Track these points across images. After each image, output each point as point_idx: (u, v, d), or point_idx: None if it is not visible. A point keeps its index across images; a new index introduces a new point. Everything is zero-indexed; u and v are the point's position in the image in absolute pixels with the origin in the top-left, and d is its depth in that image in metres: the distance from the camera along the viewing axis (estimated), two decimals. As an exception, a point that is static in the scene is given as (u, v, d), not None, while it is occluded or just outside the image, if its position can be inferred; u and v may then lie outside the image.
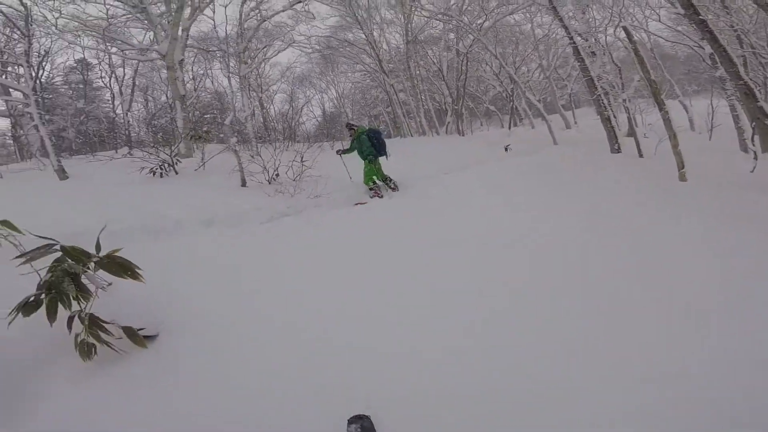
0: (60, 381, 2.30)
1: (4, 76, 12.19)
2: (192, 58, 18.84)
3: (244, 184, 6.16)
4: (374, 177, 6.33)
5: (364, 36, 17.24)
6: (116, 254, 2.51)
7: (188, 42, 11.62)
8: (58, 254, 2.43)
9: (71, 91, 21.04)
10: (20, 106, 13.39)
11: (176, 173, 7.27)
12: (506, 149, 9.99)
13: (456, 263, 3.16)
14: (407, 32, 16.92)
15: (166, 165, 7.20)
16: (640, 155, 8.58)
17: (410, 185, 6.47)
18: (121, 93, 20.00)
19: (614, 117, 10.07)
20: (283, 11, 11.97)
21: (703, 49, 10.77)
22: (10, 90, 14.46)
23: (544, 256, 3.20)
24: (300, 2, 11.41)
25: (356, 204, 5.70)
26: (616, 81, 13.38)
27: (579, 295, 2.71)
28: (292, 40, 14.78)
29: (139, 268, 2.54)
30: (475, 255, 3.20)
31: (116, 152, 10.58)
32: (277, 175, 6.39)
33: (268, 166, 6.30)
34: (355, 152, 6.50)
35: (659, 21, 13.71)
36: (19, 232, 2.70)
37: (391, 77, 17.76)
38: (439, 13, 15.18)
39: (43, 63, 16.32)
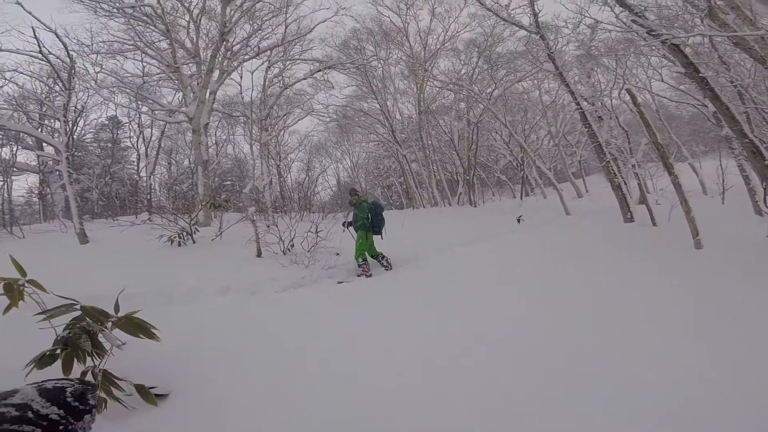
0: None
1: (40, 130, 12.51)
2: (216, 123, 19.89)
3: (259, 254, 6.22)
4: (365, 253, 5.88)
5: (378, 106, 18.22)
6: (134, 315, 2.61)
7: (214, 106, 12.42)
8: (78, 313, 2.54)
9: (99, 150, 21.82)
10: (51, 162, 13.75)
11: (194, 242, 7.41)
12: (519, 220, 10.01)
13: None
14: (420, 102, 17.84)
15: (184, 233, 7.39)
16: (654, 223, 8.48)
17: (416, 259, 6.32)
18: (146, 154, 20.69)
19: (625, 184, 10.14)
20: (303, 79, 12.89)
21: (707, 107, 10.94)
22: (43, 145, 14.99)
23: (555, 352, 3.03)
24: (320, 71, 12.26)
25: (339, 282, 5.29)
26: (624, 146, 13.58)
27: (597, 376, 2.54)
28: (311, 108, 15.76)
29: (155, 328, 2.61)
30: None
31: (136, 217, 10.89)
32: (292, 245, 6.45)
33: (284, 237, 6.39)
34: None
35: (662, 81, 13.94)
36: (44, 290, 2.87)
37: (404, 147, 18.46)
38: (450, 82, 16.10)
39: (78, 119, 17.17)
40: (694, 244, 6.01)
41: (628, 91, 7.63)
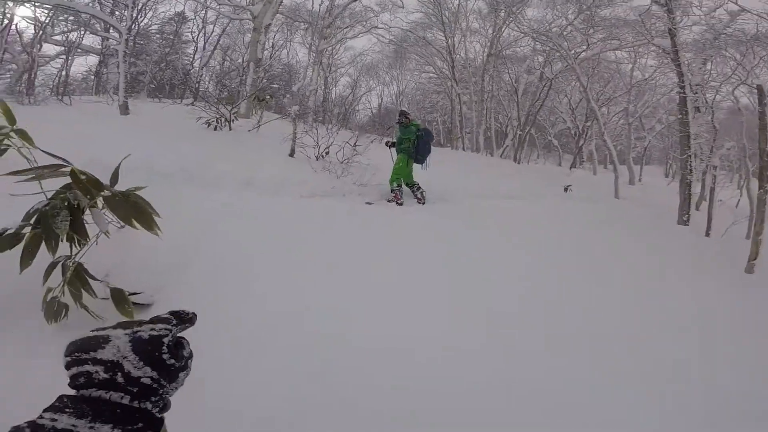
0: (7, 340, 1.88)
1: (111, 17, 13.15)
2: (276, 28, 19.43)
3: (292, 154, 5.97)
4: (401, 178, 5.52)
5: (443, 38, 16.79)
6: (134, 192, 2.06)
7: (280, 9, 11.87)
8: (66, 179, 2.00)
9: (161, 40, 22.43)
10: (113, 43, 14.48)
11: (230, 129, 7.27)
12: (566, 189, 9.28)
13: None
14: (492, 45, 16.32)
15: (222, 119, 7.23)
16: (707, 233, 7.71)
17: (450, 200, 5.90)
18: (204, 48, 21.32)
19: (702, 186, 9.18)
20: None
21: None
22: (110, 30, 15.79)
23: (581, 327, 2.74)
24: None
25: (368, 203, 5.03)
26: (711, 144, 12.18)
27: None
28: (373, 26, 14.67)
29: (156, 215, 2.07)
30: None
31: (181, 101, 10.95)
32: (327, 152, 6.16)
33: (321, 141, 6.09)
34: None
35: None
36: (32, 143, 2.17)
37: (460, 86, 17.26)
38: (538, 32, 14.44)
39: (146, 9, 17.50)
40: (746, 267, 5.47)
41: (759, 87, 6.56)
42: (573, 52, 13.76)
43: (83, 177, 1.94)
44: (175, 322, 0.56)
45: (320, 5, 13.24)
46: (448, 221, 4.79)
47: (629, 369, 2.43)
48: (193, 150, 5.16)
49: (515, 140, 16.53)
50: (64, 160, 2.05)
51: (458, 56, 17.63)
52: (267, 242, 3.15)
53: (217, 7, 13.12)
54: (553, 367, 2.35)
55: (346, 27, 15.69)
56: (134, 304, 2.08)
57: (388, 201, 5.29)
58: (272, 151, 5.91)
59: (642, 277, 4.13)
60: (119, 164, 2.17)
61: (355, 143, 6.20)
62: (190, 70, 22.28)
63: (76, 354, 0.49)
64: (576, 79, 14.55)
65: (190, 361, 0.56)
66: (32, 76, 15.85)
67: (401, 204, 5.26)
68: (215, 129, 7.08)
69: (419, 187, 5.63)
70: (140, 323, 0.54)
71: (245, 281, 2.59)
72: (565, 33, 14.57)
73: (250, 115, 9.74)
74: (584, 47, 14.09)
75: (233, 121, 7.47)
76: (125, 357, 0.49)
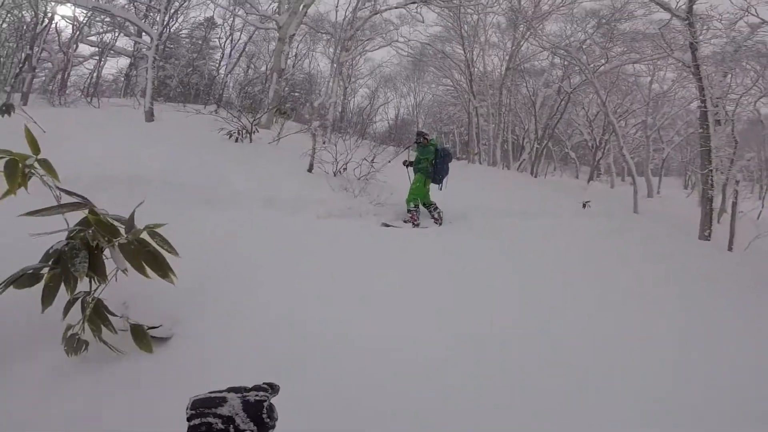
0: (26, 373, 1.92)
1: (144, 21, 13.69)
2: (300, 37, 19.84)
3: (311, 169, 6.11)
4: (419, 198, 5.49)
5: (462, 52, 16.90)
6: (154, 230, 2.07)
7: (304, 20, 12.15)
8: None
9: (191, 45, 23.15)
10: (144, 48, 15.08)
11: (251, 141, 7.46)
12: (584, 206, 9.18)
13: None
14: (511, 58, 16.37)
15: (244, 131, 7.43)
16: (730, 248, 7.53)
17: (466, 219, 5.88)
18: (230, 55, 21.93)
19: (722, 198, 8.97)
20: (396, 8, 12.04)
21: None
22: (142, 34, 16.42)
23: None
24: (414, 3, 11.37)
25: (383, 223, 5.03)
26: (731, 157, 11.90)
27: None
28: (392, 39, 14.88)
29: (174, 253, 2.10)
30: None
31: (204, 107, 11.30)
32: (345, 169, 6.27)
33: (339, 157, 6.20)
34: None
35: None
36: (56, 177, 2.12)
37: (477, 99, 17.31)
38: (557, 46, 14.43)
39: (178, 14, 18.14)
40: None
41: None
42: (592, 65, 13.68)
43: (100, 219, 1.99)
44: (270, 391, 0.73)
45: (343, 17, 13.50)
46: (461, 239, 4.83)
47: (637, 380, 2.43)
48: (214, 164, 5.31)
49: (532, 153, 16.44)
50: (83, 198, 2.09)
51: (476, 69, 17.69)
52: (283, 264, 3.24)
53: (245, 15, 13.55)
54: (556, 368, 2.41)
55: (367, 39, 15.93)
56: (153, 338, 2.13)
57: (405, 221, 5.30)
58: (291, 166, 6.04)
59: (662, 295, 4.05)
60: (133, 211, 2.17)
61: (372, 160, 6.31)
62: (215, 76, 22.90)
63: (200, 408, 0.66)
64: (594, 92, 14.43)
65: (276, 422, 0.72)
66: (66, 75, 16.61)
67: (418, 225, 5.28)
68: (236, 141, 7.28)
69: (436, 207, 5.64)
70: (247, 389, 0.71)
71: (261, 308, 2.64)
72: (584, 47, 14.50)
73: (270, 126, 9.96)
74: (603, 61, 14.02)
75: (254, 132, 7.67)
76: (237, 414, 0.66)
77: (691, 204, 15.42)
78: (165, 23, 9.26)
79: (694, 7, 8.62)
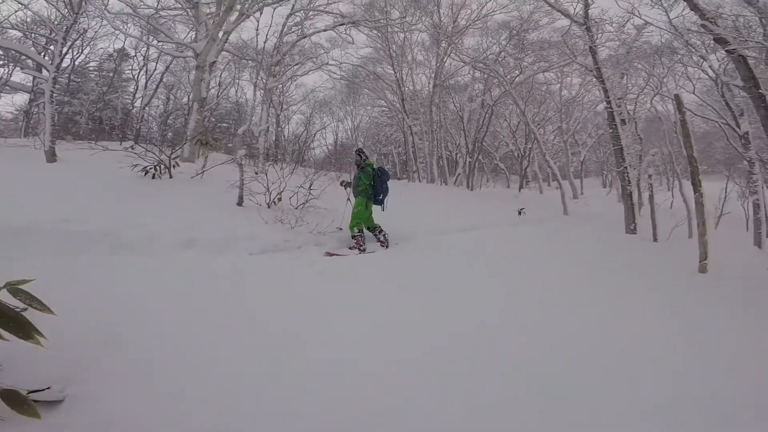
0: None
1: (43, 54, 12.30)
2: (223, 66, 19.09)
3: (240, 203, 5.58)
4: (362, 223, 5.19)
5: (392, 72, 17.33)
6: (18, 286, 1.75)
7: (225, 46, 11.61)
8: None
9: (101, 78, 21.31)
10: (43, 83, 13.54)
11: (170, 177, 6.74)
12: (520, 213, 9.55)
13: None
14: (436, 75, 17.02)
15: (161, 166, 6.70)
16: (655, 238, 8.19)
17: (414, 239, 5.74)
18: (146, 87, 20.40)
19: (639, 194, 9.77)
20: (324, 31, 11.94)
21: (736, 128, 10.47)
22: (42, 69, 14.77)
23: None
24: (342, 25, 11.35)
25: (326, 253, 4.67)
26: (636, 154, 13.14)
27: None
28: (323, 62, 14.78)
29: (48, 311, 1.77)
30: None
31: (120, 144, 10.22)
32: (280, 199, 5.82)
33: (271, 188, 5.75)
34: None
35: (693, 92, 13.39)
36: None
37: (411, 118, 17.74)
38: (476, 60, 15.27)
39: (84, 46, 16.61)
40: (698, 267, 5.74)
41: (676, 96, 7.13)
42: (508, 77, 14.67)
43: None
44: None
45: (265, 42, 13.12)
46: (410, 259, 4.66)
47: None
48: (125, 206, 4.62)
49: (465, 167, 17.05)
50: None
51: (407, 89, 18.24)
52: (199, 313, 2.73)
53: (159, 44, 12.67)
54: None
55: (296, 64, 15.71)
56: (38, 401, 1.72)
57: (350, 248, 4.97)
58: (218, 200, 5.46)
59: (603, 290, 4.18)
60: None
61: (309, 186, 5.94)
62: (130, 110, 21.12)
63: None
64: (513, 102, 15.46)
65: None
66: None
67: (364, 250, 4.97)
68: (153, 177, 6.52)
69: (381, 230, 5.39)
70: None
71: (171, 365, 2.16)
72: (499, 59, 15.55)
73: (195, 159, 9.20)
74: (517, 72, 15.11)
75: (174, 167, 6.96)
76: None
77: (612, 201, 16.87)
78: (62, 55, 8.22)
79: (590, 12, 9.41)
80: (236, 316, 2.69)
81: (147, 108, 21.04)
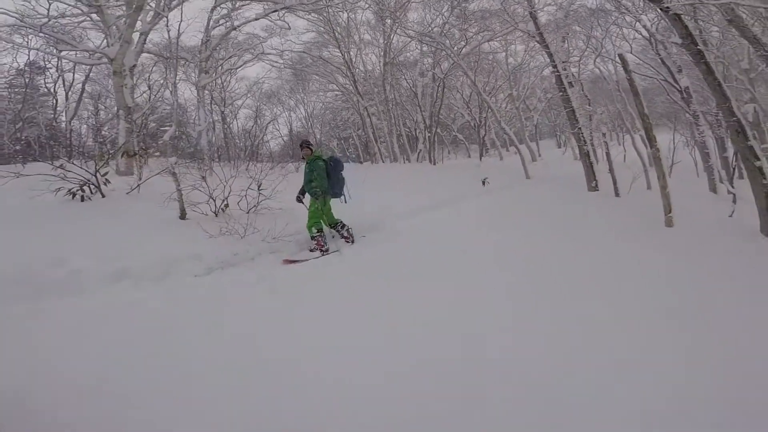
0: None
1: None
2: (151, 66, 17.64)
3: (183, 216, 5.00)
4: (321, 221, 4.78)
5: (340, 54, 16.62)
6: None
7: (147, 47, 10.55)
8: None
9: (16, 95, 19.29)
10: None
11: (102, 196, 5.98)
12: (484, 183, 9.43)
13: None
14: (386, 53, 16.50)
15: (90, 186, 5.92)
16: (617, 194, 8.31)
17: (382, 226, 5.41)
18: (66, 99, 18.50)
19: (594, 153, 9.93)
20: (255, 20, 11.02)
21: (675, 83, 10.79)
22: None
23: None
24: (275, 11, 10.49)
25: (285, 261, 4.26)
26: (586, 114, 13.45)
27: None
28: (262, 51, 13.82)
29: None
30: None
31: (52, 163, 9.05)
32: (227, 205, 5.27)
33: (215, 194, 5.17)
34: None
35: (631, 52, 13.69)
36: None
37: (365, 99, 17.18)
38: (422, 34, 14.87)
39: None
40: (665, 221, 5.78)
41: (621, 56, 7.24)
42: (455, 48, 14.43)
43: None
44: None
45: (205, 40, 12.03)
46: (381, 253, 4.36)
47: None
48: (44, 239, 3.98)
49: (426, 142, 16.82)
50: None
51: (358, 70, 17.62)
52: (141, 362, 2.28)
53: (68, 54, 11.38)
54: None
55: (230, 57, 14.66)
56: None
57: (311, 251, 4.56)
58: (156, 217, 4.85)
59: (577, 246, 4.24)
60: None
61: (258, 186, 5.40)
62: (54, 125, 19.15)
63: None
64: (463, 74, 15.34)
65: None
66: None
67: (327, 251, 4.56)
68: (82, 200, 5.76)
69: (344, 225, 4.98)
70: None
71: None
72: (444, 31, 15.23)
73: (132, 171, 8.34)
74: (463, 43, 14.90)
75: (106, 184, 6.19)
76: None
77: (568, 160, 17.26)
78: None
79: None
80: (157, 366, 2.24)
81: (75, 121, 19.20)
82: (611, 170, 8.63)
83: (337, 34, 16.25)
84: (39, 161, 8.96)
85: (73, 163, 6.24)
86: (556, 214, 6.26)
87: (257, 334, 2.62)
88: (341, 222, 5.00)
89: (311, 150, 5.04)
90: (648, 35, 10.68)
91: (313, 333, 2.60)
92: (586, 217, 6.17)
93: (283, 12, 11.02)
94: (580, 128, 9.37)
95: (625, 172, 8.69)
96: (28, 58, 17.37)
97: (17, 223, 4.57)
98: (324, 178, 4.79)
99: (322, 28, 16.62)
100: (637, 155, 9.80)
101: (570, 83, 11.03)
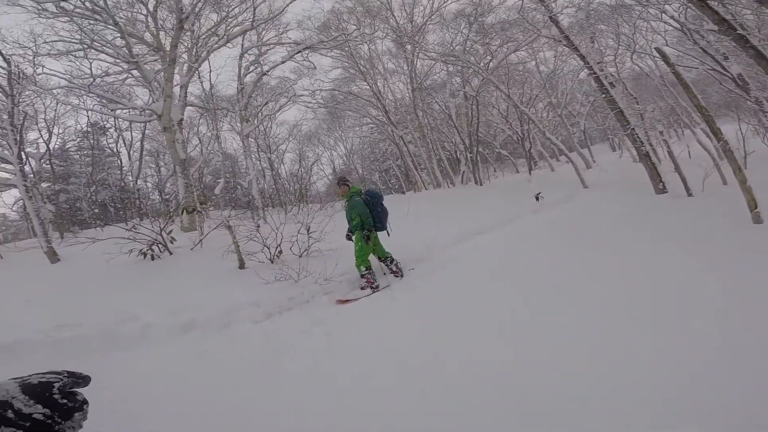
0: None
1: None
2: (198, 119, 18.76)
3: (242, 265, 5.20)
4: (368, 258, 4.64)
5: (368, 87, 17.05)
6: None
7: (190, 100, 11.35)
8: None
9: (85, 158, 20.55)
10: (31, 176, 13.24)
11: (170, 253, 6.41)
12: (537, 198, 8.95)
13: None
14: (412, 79, 16.69)
15: (158, 245, 6.36)
16: (689, 194, 7.49)
17: (431, 257, 5.26)
18: (129, 158, 19.76)
19: (654, 152, 9.17)
20: (282, 63, 11.64)
21: (724, 71, 9.88)
22: (23, 159, 14.36)
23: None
24: (299, 53, 11.03)
25: (338, 301, 4.20)
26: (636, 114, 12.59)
27: None
28: (294, 93, 14.56)
29: None
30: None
31: (126, 224, 9.88)
32: (280, 252, 5.41)
33: (268, 242, 5.34)
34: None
35: (666, 45, 12.80)
36: None
37: (400, 128, 17.37)
38: (445, 55, 14.91)
39: (50, 128, 16.20)
40: (752, 217, 5.08)
41: (658, 50, 6.71)
42: (482, 64, 14.26)
43: None
44: (66, 374, 0.68)
45: (231, 87, 12.99)
46: (434, 285, 4.18)
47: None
48: (119, 298, 4.33)
49: (468, 163, 16.52)
50: None
51: (387, 99, 17.96)
52: (205, 413, 2.32)
53: (120, 113, 12.27)
54: None
55: (266, 103, 15.54)
56: None
57: (362, 288, 4.51)
58: (217, 269, 5.11)
59: (662, 261, 3.70)
60: None
61: (308, 230, 5.51)
62: (123, 185, 20.72)
63: None
64: (495, 87, 15.05)
65: (85, 406, 0.66)
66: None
67: (377, 287, 4.50)
68: (152, 259, 6.19)
69: (392, 259, 4.92)
70: (30, 375, 0.65)
71: None
72: (467, 48, 15.15)
73: (195, 227, 8.79)
74: (489, 57, 14.69)
75: (172, 242, 6.63)
76: (14, 397, 0.60)
77: (626, 163, 16.11)
78: (19, 143, 7.84)
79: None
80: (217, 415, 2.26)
81: (141, 181, 20.60)
82: (677, 169, 7.87)
83: (361, 66, 16.68)
84: (113, 225, 9.95)
85: (142, 226, 6.81)
86: (628, 223, 5.73)
87: (309, 376, 2.63)
88: (390, 256, 4.95)
89: (348, 186, 5.05)
90: (679, 26, 10.02)
91: (358, 384, 2.52)
92: (661, 224, 5.56)
93: (307, 52, 11.54)
94: (633, 129, 8.71)
95: (694, 169, 7.88)
96: (88, 119, 18.80)
97: (96, 285, 5.03)
98: (366, 212, 4.75)
99: (346, 63, 17.12)
100: (703, 150, 8.87)
101: (611, 83, 10.48)
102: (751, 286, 2.83)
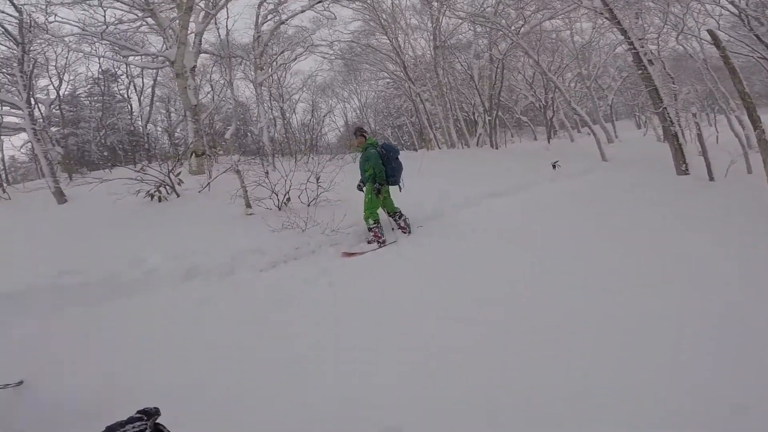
0: None
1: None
2: (211, 67, 18.32)
3: (249, 208, 5.13)
4: (377, 211, 4.59)
5: (388, 41, 16.28)
6: None
7: (204, 47, 10.97)
8: None
9: (95, 103, 20.70)
10: (40, 120, 13.26)
11: (177, 196, 6.34)
12: (554, 166, 8.66)
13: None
14: (435, 37, 15.86)
15: (166, 186, 6.29)
16: (711, 178, 7.17)
17: (441, 215, 5.13)
18: (140, 104, 19.74)
19: (682, 133, 8.72)
20: (302, 12, 11.04)
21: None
22: (32, 103, 14.31)
23: None
24: (320, 2, 10.43)
25: (344, 254, 4.15)
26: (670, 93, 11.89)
27: None
28: (312, 43, 13.91)
29: None
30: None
31: (135, 166, 9.83)
32: (289, 199, 5.31)
33: (276, 189, 5.23)
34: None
35: (719, 29, 11.92)
36: None
37: (417, 85, 16.71)
38: (474, 15, 13.97)
39: (61, 74, 16.04)
40: None
41: (710, 32, 6.31)
42: (513, 28, 13.37)
43: None
44: (145, 418, 0.78)
45: (247, 36, 12.43)
46: (444, 245, 4.09)
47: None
48: (124, 242, 4.26)
49: (486, 126, 15.97)
50: None
51: (407, 56, 17.12)
52: (203, 363, 2.32)
53: (133, 59, 12.06)
54: None
55: (282, 52, 14.92)
56: None
57: (369, 242, 4.43)
58: (224, 214, 5.01)
59: (680, 238, 3.61)
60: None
61: (317, 179, 5.37)
62: (132, 129, 20.73)
63: None
64: (525, 53, 14.23)
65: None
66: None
67: (384, 242, 4.41)
68: (160, 201, 6.13)
69: (401, 215, 4.82)
70: (121, 423, 0.76)
71: None
72: (498, 11, 14.14)
73: (204, 171, 8.75)
74: (521, 22, 13.70)
75: (180, 184, 6.55)
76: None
77: (650, 142, 15.48)
78: (27, 89, 7.73)
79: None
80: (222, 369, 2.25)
81: (151, 125, 20.65)
82: (704, 152, 7.49)
83: (382, 20, 15.87)
84: (123, 166, 9.94)
85: (150, 167, 6.71)
86: (648, 200, 5.50)
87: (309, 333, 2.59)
88: (399, 211, 4.84)
89: (365, 137, 4.91)
90: (737, 11, 9.19)
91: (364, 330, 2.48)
92: (688, 203, 5.33)
93: (328, 2, 10.98)
94: (665, 108, 8.26)
95: (720, 155, 7.51)
96: (100, 67, 18.67)
97: (102, 226, 4.99)
98: (380, 165, 4.62)
99: (367, 16, 16.28)
100: (735, 136, 8.42)
101: (650, 61, 9.79)
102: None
